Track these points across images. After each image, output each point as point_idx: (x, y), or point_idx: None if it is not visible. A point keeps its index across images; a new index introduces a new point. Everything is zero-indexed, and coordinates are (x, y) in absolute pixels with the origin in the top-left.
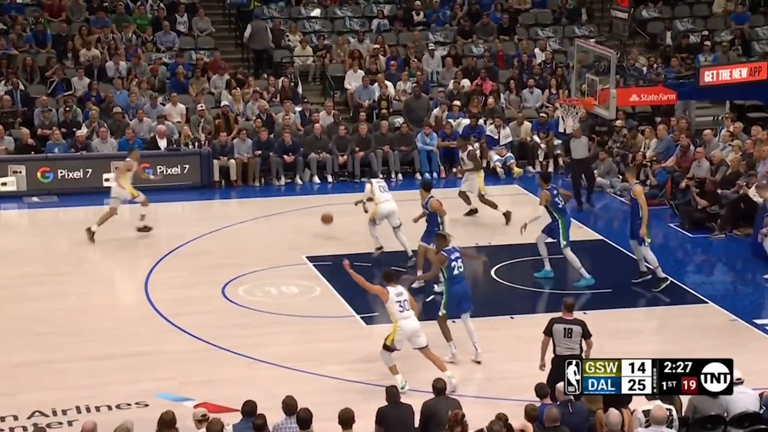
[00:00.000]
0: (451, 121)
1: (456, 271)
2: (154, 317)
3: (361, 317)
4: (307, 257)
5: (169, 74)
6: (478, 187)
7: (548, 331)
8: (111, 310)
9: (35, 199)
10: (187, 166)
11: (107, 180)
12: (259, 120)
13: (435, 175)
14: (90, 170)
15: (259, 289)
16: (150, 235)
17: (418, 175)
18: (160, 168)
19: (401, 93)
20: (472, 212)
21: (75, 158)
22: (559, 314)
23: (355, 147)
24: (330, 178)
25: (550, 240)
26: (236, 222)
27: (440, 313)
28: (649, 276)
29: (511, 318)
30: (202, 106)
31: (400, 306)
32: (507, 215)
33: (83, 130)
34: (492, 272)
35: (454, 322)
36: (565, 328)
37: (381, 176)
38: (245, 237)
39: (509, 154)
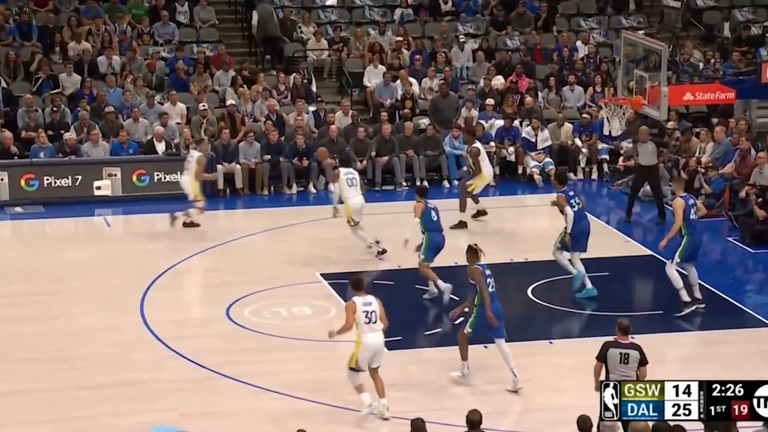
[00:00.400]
0: (482, 122)
1: (491, 288)
2: (151, 342)
3: None
4: (321, 274)
5: (168, 70)
6: (474, 186)
7: (602, 357)
8: (103, 334)
9: (18, 209)
10: None
11: (99, 188)
12: (269, 121)
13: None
14: (79, 177)
15: (267, 310)
16: (152, 249)
17: (446, 183)
18: (157, 174)
19: (427, 91)
20: (480, 213)
21: (63, 164)
22: (612, 338)
23: (376, 151)
24: None
25: (581, 254)
26: (242, 235)
27: (465, 331)
28: (695, 306)
29: (550, 343)
30: (204, 106)
31: (367, 317)
32: (481, 213)
33: (72, 133)
34: (528, 291)
35: (486, 347)
36: (621, 353)
37: (402, 185)
38: (252, 252)
39: (548, 159)
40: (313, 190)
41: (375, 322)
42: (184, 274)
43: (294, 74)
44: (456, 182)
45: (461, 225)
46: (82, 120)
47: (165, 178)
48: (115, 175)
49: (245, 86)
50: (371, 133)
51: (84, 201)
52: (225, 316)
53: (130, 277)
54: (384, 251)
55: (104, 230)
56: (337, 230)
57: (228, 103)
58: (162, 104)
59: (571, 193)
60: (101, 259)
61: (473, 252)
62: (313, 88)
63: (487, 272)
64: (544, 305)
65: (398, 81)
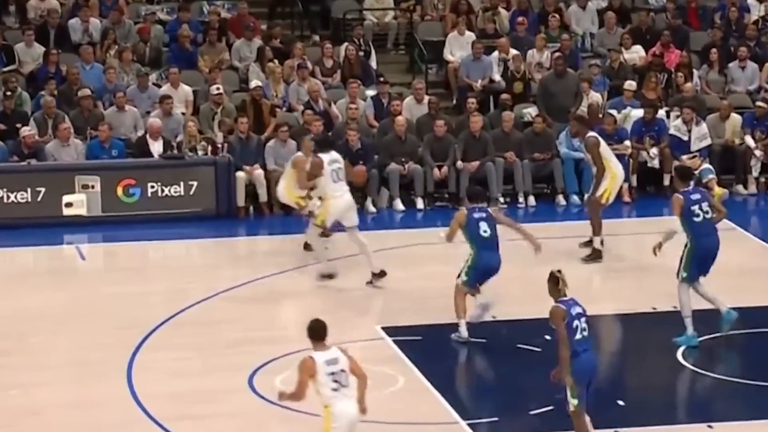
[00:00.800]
0: (614, 112)
1: (579, 335)
2: (143, 423)
3: (468, 424)
4: (382, 328)
5: (168, 38)
6: (607, 192)
7: None
8: (76, 412)
9: None
10: (195, 183)
11: (69, 205)
12: (309, 110)
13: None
14: (42, 190)
15: None
16: (144, 291)
17: (560, 198)
18: (152, 186)
19: (535, 68)
20: (592, 249)
21: (19, 171)
22: None
23: (462, 154)
24: (420, 203)
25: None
26: (271, 273)
27: (570, 408)
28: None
29: (709, 427)
30: (218, 89)
31: (334, 380)
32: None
33: (32, 127)
34: (678, 354)
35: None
36: None
37: (499, 201)
38: (285, 296)
39: (706, 165)
40: (371, 208)
41: (346, 386)
42: (189, 327)
43: (346, 44)
44: (574, 197)
45: (594, 256)
46: (46, 109)
47: (163, 191)
48: (93, 186)
49: (276, 61)
50: (455, 127)
51: (48, 224)
52: (247, 388)
53: (113, 332)
54: (381, 274)
55: (77, 265)
56: (408, 267)
57: (252, 84)
58: (159, 86)
59: (696, 196)
60: (72, 305)
61: (554, 282)
62: (373, 63)
63: (576, 311)
64: (699, 373)
65: (494, 54)
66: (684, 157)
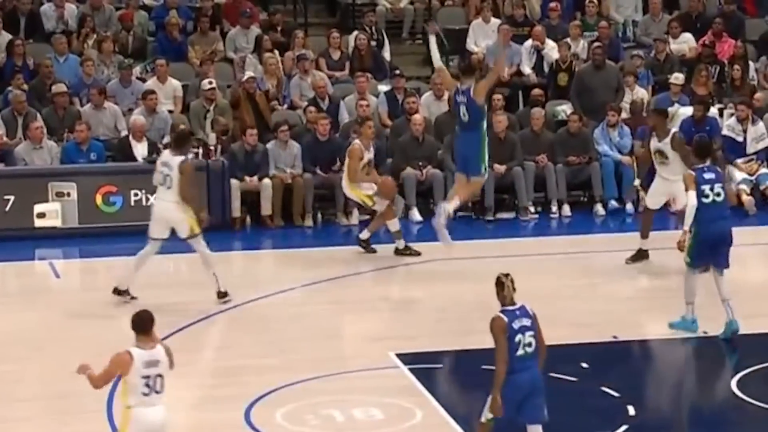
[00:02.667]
0: None
1: (521, 351)
2: None
3: None
4: (397, 355)
5: (154, 26)
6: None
7: None
8: None
9: None
10: None
11: (41, 215)
12: (314, 107)
13: (630, 205)
14: (11, 198)
15: (313, 412)
16: (125, 314)
17: (599, 207)
18: (135, 194)
19: (570, 59)
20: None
21: None
22: None
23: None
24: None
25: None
26: (271, 292)
27: (482, 419)
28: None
29: None
30: (211, 83)
31: (146, 384)
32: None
33: None
34: (732, 383)
35: None
36: None
37: (529, 210)
38: (288, 319)
39: (765, 169)
40: None
41: (159, 393)
42: (176, 355)
43: (356, 33)
44: (612, 203)
45: (641, 255)
46: (15, 105)
47: (148, 199)
48: (68, 194)
49: (275, 51)
50: None
51: (18, 236)
52: (243, 423)
53: (91, 360)
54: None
55: (50, 283)
56: (425, 286)
57: (245, 76)
58: (144, 81)
59: (710, 176)
60: (46, 329)
61: (500, 287)
62: (387, 54)
63: (520, 324)
64: (757, 406)
65: (527, 43)
66: (739, 160)
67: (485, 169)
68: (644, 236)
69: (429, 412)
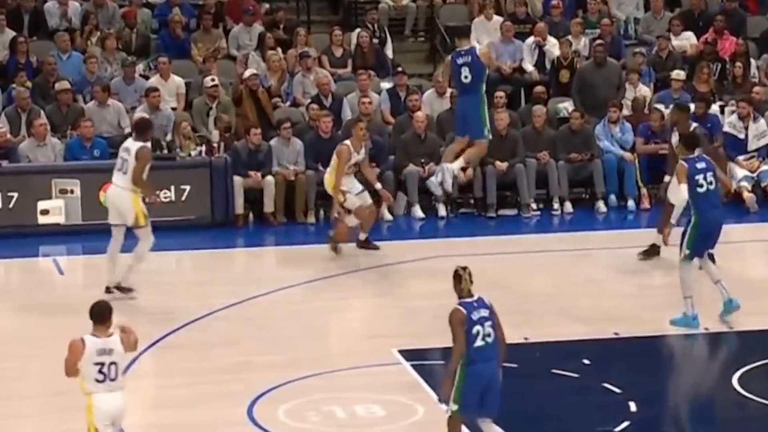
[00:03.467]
0: (660, 106)
1: (480, 341)
2: None
3: None
4: (399, 351)
5: (157, 24)
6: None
7: None
8: None
9: None
10: (188, 188)
11: (45, 212)
12: (316, 105)
13: (631, 202)
14: (15, 195)
15: (314, 408)
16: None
17: (600, 205)
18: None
19: (572, 57)
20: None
21: None
22: None
23: (487, 153)
24: (442, 210)
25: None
26: (273, 288)
27: (449, 413)
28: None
29: None
30: (214, 80)
31: (100, 371)
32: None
33: (3, 124)
34: (734, 380)
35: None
36: None
37: (531, 207)
38: (290, 315)
39: (766, 166)
40: (387, 215)
41: (113, 380)
42: (179, 351)
43: (359, 30)
44: (612, 198)
45: (653, 251)
46: (19, 102)
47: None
48: (72, 191)
49: (278, 49)
50: None
51: (22, 233)
52: (246, 419)
53: None
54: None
55: (54, 280)
56: (428, 282)
57: (246, 74)
58: (147, 78)
59: (701, 165)
60: (49, 326)
61: (457, 280)
62: (389, 52)
63: (478, 315)
64: (758, 402)
65: (530, 40)
66: (740, 157)
67: (488, 131)
68: (661, 231)
69: (431, 408)
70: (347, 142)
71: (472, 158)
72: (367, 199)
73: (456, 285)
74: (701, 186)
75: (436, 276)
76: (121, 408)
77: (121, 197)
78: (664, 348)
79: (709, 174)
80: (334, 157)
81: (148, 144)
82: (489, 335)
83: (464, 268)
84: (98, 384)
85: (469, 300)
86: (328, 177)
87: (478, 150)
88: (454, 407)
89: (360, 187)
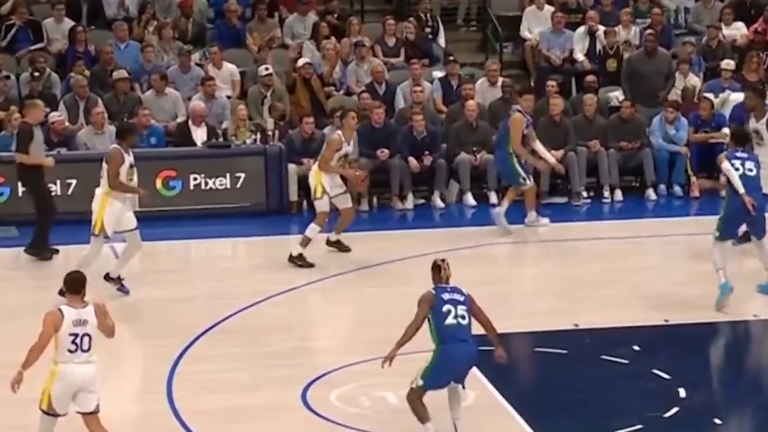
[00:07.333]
0: (710, 96)
1: (450, 320)
2: None
3: None
4: None
5: (213, 13)
6: None
7: None
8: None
9: None
10: (243, 175)
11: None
12: (369, 94)
13: (678, 189)
14: (73, 182)
15: (366, 393)
16: (182, 297)
17: (650, 193)
18: (194, 178)
19: (623, 46)
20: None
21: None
22: None
23: (539, 142)
24: (494, 197)
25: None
26: (327, 275)
27: (413, 385)
28: None
29: None
30: (268, 69)
31: (74, 342)
32: None
33: (62, 112)
34: None
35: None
36: None
37: (581, 195)
38: (342, 302)
39: None
40: (439, 203)
41: (86, 351)
42: (234, 337)
43: (410, 19)
44: (662, 187)
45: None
46: (77, 90)
47: (207, 183)
48: (130, 178)
49: (333, 38)
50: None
51: (79, 219)
52: (300, 403)
53: (151, 341)
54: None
55: (111, 266)
56: (479, 268)
57: (300, 62)
58: (203, 67)
59: (742, 155)
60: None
61: (436, 271)
62: (441, 41)
63: (449, 297)
64: None
65: (581, 29)
66: None
67: (523, 178)
68: None
69: (482, 393)
70: (339, 132)
71: (527, 200)
72: (348, 201)
73: (435, 275)
74: (737, 170)
75: (487, 262)
76: (90, 378)
77: (95, 201)
78: (713, 335)
79: (749, 163)
80: (324, 147)
81: (121, 146)
82: (463, 317)
83: (443, 260)
84: (69, 354)
85: (443, 286)
86: (316, 165)
87: (526, 193)
88: (420, 382)
89: (340, 189)
